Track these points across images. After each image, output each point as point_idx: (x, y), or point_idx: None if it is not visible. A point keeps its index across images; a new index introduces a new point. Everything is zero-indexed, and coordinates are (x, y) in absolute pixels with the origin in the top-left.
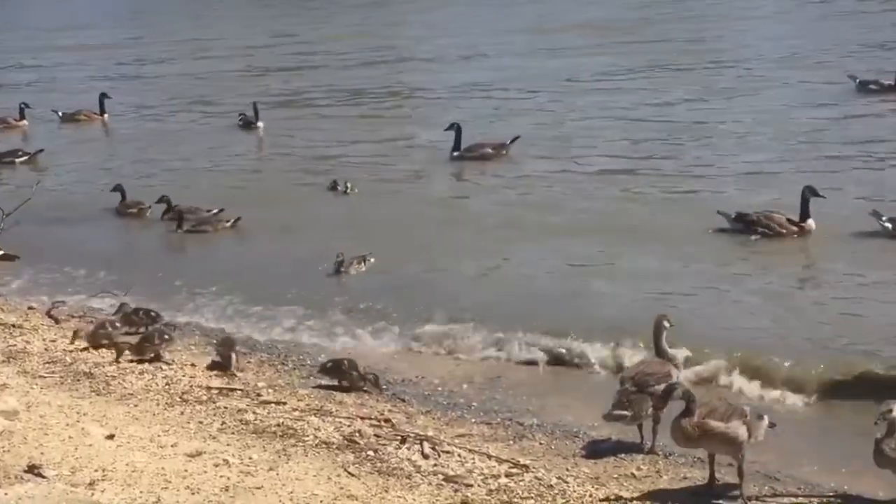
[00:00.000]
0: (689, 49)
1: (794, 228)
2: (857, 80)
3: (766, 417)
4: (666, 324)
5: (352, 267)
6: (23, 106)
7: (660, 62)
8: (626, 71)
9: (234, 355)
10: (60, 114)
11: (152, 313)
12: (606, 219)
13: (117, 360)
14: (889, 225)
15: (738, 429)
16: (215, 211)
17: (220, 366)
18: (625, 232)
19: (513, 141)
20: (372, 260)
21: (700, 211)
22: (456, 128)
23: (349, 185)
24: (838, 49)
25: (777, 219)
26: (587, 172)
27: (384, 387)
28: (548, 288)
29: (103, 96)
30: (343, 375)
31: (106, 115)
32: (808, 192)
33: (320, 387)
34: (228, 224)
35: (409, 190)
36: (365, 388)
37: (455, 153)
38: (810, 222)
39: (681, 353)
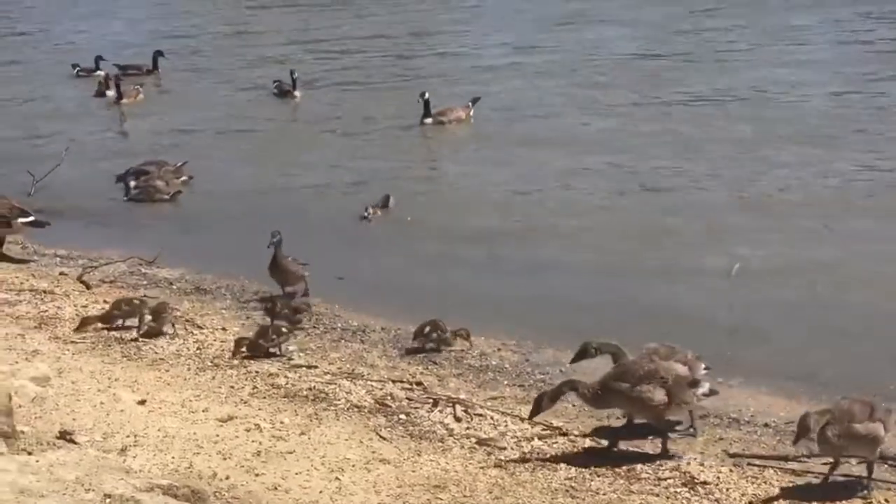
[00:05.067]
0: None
1: None
2: None
3: (705, 385)
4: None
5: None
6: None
7: None
8: None
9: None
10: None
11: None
12: None
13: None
14: None
15: (653, 392)
16: (180, 164)
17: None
18: None
19: (475, 102)
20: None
21: None
22: (425, 97)
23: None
24: None
25: None
26: None
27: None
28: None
29: (157, 54)
30: (429, 338)
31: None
32: None
33: (352, 350)
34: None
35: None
36: (457, 347)
37: (427, 120)
38: None
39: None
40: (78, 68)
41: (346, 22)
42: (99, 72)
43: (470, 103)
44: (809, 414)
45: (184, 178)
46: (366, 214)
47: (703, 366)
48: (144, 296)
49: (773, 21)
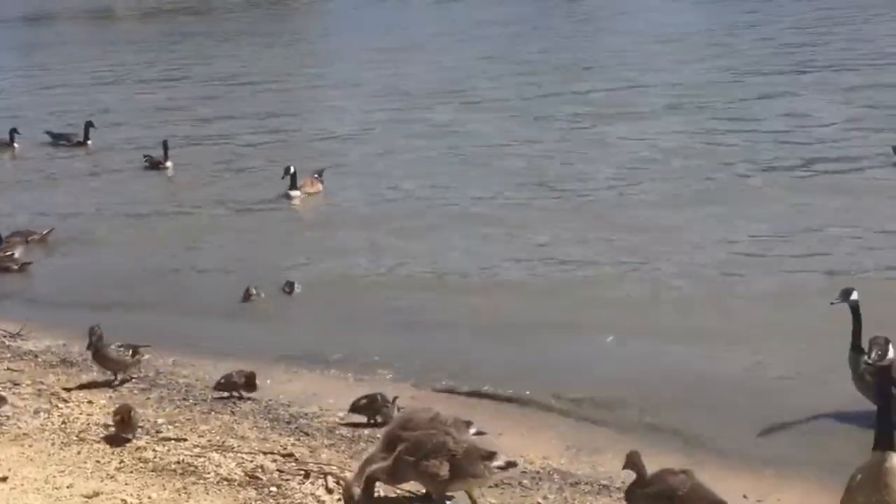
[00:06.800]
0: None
1: None
2: None
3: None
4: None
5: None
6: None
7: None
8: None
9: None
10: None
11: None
12: None
13: None
14: None
15: (439, 467)
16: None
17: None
18: None
19: (320, 173)
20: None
21: None
22: (291, 171)
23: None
24: None
25: None
26: None
27: (288, 420)
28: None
29: (88, 125)
30: (377, 411)
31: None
32: None
33: (222, 422)
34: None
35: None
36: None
37: (293, 192)
38: None
39: None
40: None
41: (218, 95)
42: (15, 145)
43: (317, 175)
44: (637, 454)
45: (20, 259)
46: (251, 295)
47: (471, 431)
48: (7, 368)
49: None
